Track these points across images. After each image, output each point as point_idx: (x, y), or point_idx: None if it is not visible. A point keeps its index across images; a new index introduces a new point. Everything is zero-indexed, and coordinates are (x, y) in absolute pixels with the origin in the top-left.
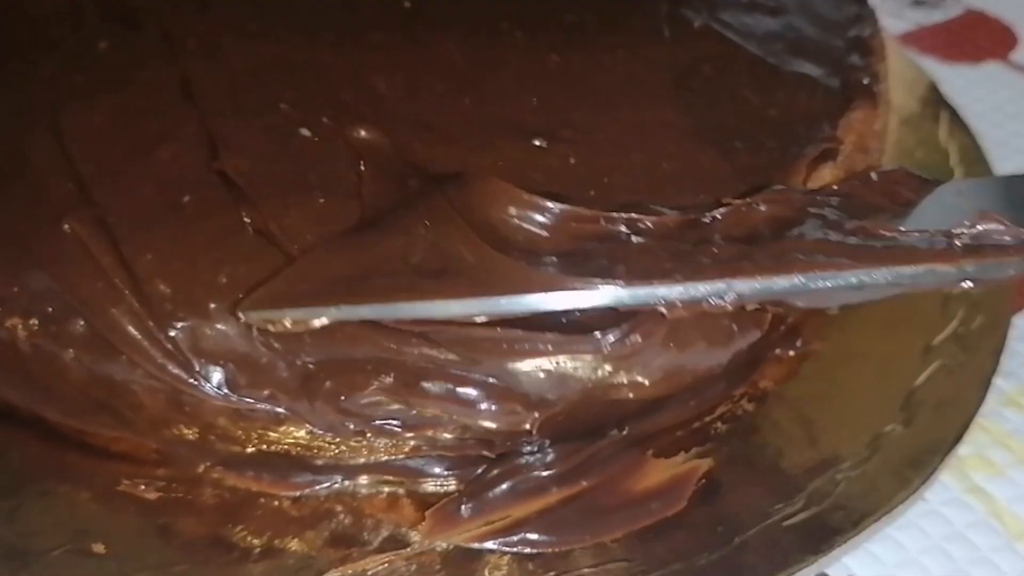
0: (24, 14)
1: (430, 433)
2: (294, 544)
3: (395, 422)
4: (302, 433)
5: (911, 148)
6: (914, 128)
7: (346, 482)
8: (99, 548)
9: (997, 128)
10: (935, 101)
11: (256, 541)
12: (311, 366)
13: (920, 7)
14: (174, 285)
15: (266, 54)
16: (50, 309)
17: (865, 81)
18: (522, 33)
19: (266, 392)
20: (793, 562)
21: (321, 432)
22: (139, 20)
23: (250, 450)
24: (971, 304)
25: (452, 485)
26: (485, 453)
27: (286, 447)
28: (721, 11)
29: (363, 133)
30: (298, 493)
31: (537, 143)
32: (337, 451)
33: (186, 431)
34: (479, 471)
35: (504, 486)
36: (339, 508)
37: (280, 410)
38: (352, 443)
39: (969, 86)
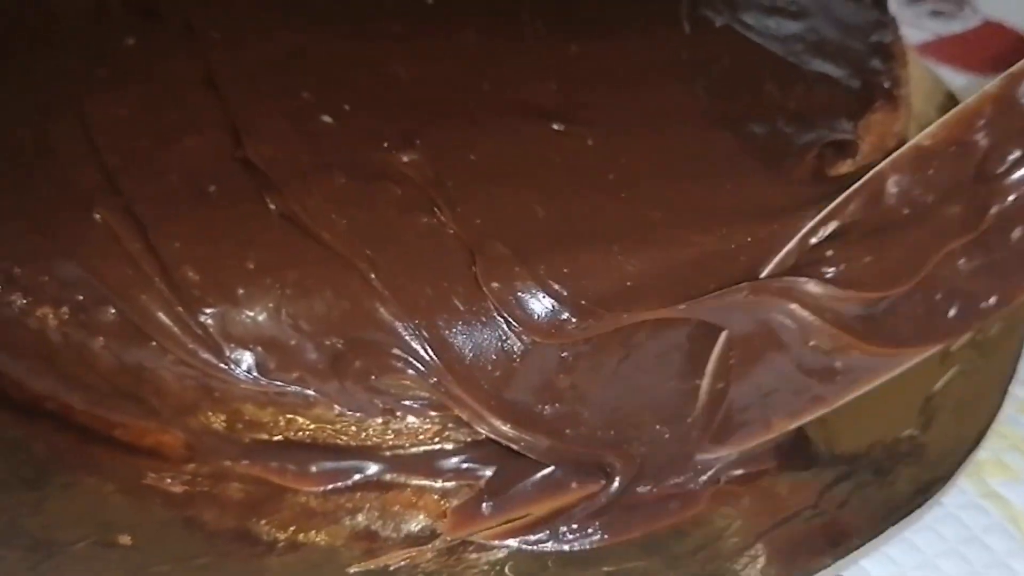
0: (49, 8)
1: (457, 413)
2: (319, 538)
3: (423, 401)
4: (330, 415)
5: None
6: None
7: (371, 471)
8: (124, 540)
9: None
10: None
11: (280, 535)
12: (340, 346)
13: (938, 17)
14: (202, 271)
15: (288, 44)
16: (80, 297)
17: (886, 85)
18: (542, 23)
19: (295, 374)
20: (810, 564)
21: (350, 412)
22: (162, 12)
23: (277, 437)
24: None
25: (474, 481)
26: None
27: (312, 432)
28: (743, 12)
29: (404, 159)
30: (322, 488)
31: (556, 127)
32: (363, 435)
33: (213, 418)
34: (500, 468)
35: (526, 484)
36: (364, 503)
37: (309, 392)
38: (379, 424)
39: None
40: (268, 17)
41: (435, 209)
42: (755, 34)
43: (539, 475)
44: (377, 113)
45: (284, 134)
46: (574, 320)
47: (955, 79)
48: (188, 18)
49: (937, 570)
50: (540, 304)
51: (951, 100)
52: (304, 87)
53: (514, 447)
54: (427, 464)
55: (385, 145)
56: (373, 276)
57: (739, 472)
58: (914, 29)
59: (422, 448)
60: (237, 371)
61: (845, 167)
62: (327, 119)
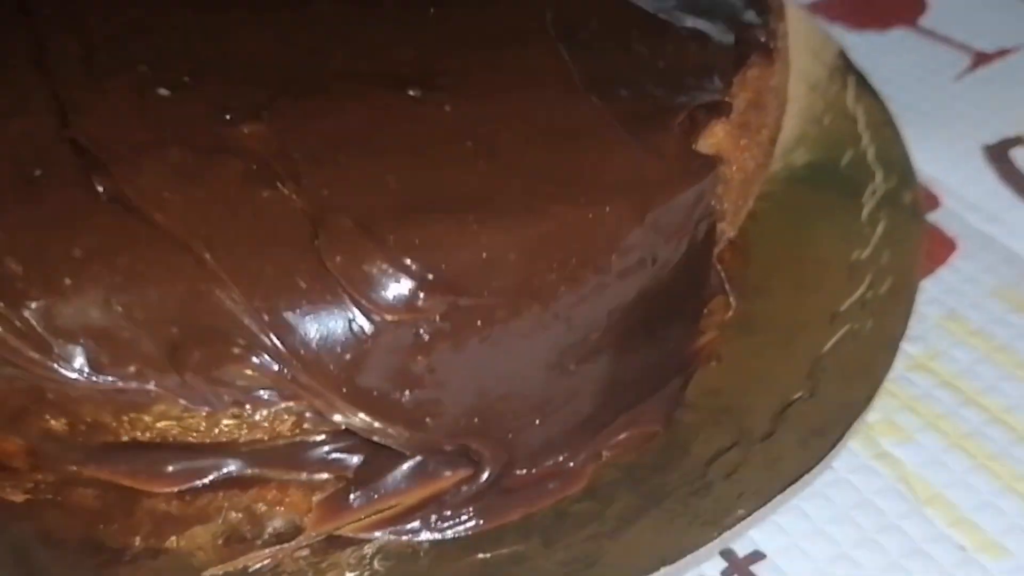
0: None
1: (309, 402)
2: (177, 542)
3: (272, 391)
4: (175, 411)
5: (819, 114)
6: (822, 94)
7: (230, 468)
8: None
9: (905, 93)
10: (843, 67)
11: (134, 541)
12: (177, 335)
13: None
14: (25, 262)
15: (125, 19)
16: None
17: (762, 38)
18: None
19: (132, 369)
20: (697, 537)
21: (196, 408)
22: None
23: (124, 439)
24: (878, 269)
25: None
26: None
27: (160, 431)
28: None
29: (246, 130)
30: (177, 488)
31: (412, 93)
32: (216, 431)
33: (52, 422)
34: (367, 457)
35: (395, 472)
36: (225, 502)
37: (149, 388)
38: (231, 420)
39: (877, 52)
40: None
41: (278, 183)
42: None
43: (409, 463)
44: (221, 85)
45: (115, 111)
46: (422, 295)
47: (845, 37)
48: None
49: (828, 537)
50: (389, 279)
51: (841, 57)
52: (142, 61)
53: (373, 439)
54: (290, 457)
55: (228, 118)
56: (209, 256)
57: (623, 436)
58: None
59: (282, 441)
60: (68, 369)
61: (720, 125)
62: (164, 92)
